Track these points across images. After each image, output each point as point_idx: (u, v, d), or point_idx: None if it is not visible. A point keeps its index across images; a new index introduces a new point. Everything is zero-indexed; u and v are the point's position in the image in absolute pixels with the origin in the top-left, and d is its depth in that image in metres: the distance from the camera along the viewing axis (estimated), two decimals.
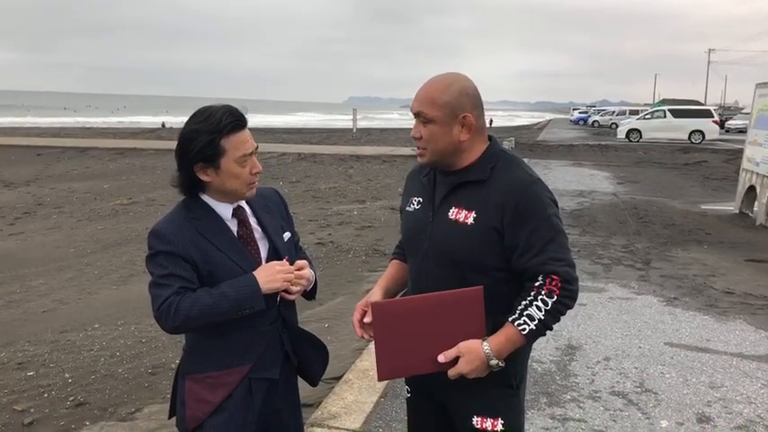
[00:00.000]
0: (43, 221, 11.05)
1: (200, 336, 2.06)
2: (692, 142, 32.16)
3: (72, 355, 5.06)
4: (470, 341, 1.87)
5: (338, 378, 4.33)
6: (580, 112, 70.85)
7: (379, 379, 1.98)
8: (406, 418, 3.57)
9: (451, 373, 1.88)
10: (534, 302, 1.87)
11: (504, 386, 2.00)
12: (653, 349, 4.85)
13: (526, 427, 3.58)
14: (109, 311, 5.87)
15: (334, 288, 6.75)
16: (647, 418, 3.77)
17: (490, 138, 2.05)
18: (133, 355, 5.00)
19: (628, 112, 49.94)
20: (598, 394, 4.08)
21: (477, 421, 2.01)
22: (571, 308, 1.91)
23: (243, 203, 2.10)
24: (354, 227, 10.11)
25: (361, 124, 42.96)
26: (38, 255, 8.61)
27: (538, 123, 74.03)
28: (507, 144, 25.87)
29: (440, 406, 2.13)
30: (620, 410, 3.87)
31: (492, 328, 1.91)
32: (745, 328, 5.37)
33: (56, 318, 6.00)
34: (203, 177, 1.98)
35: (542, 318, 1.86)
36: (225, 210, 2.06)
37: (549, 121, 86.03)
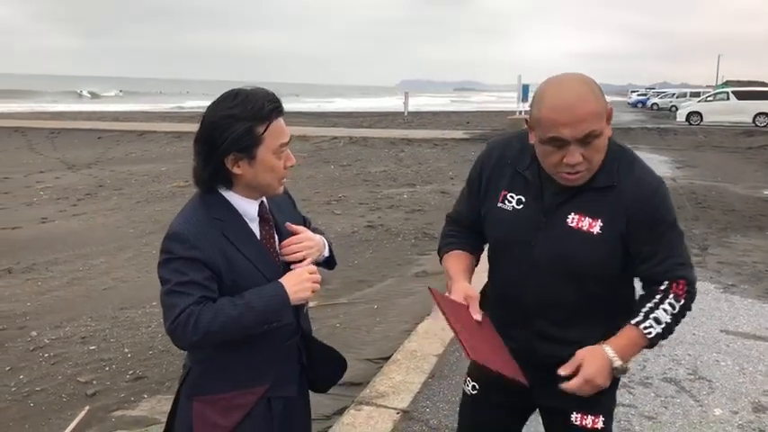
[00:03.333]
0: (104, 203, 11.43)
1: (212, 352, 1.82)
2: (757, 125, 30.93)
3: (131, 331, 5.26)
4: (588, 347, 1.79)
5: (387, 358, 4.39)
6: (638, 95, 69.00)
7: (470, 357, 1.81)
8: (453, 399, 3.61)
9: (573, 382, 1.75)
10: (661, 305, 1.81)
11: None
12: (707, 336, 4.75)
13: None
14: None
15: (384, 270, 6.81)
16: (700, 406, 3.71)
17: None
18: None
19: (688, 95, 48.38)
20: (649, 381, 4.03)
21: (576, 418, 1.94)
22: (691, 310, 1.88)
23: (264, 200, 1.88)
24: (404, 210, 10.13)
25: (413, 107, 42.82)
26: (99, 235, 8.93)
27: None
28: None
29: (513, 406, 2.07)
30: (672, 397, 3.81)
31: (602, 336, 1.83)
32: None
33: (116, 295, 6.23)
34: (235, 170, 1.75)
35: (669, 321, 1.81)
36: (250, 207, 1.83)
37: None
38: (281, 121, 1.77)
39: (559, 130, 1.70)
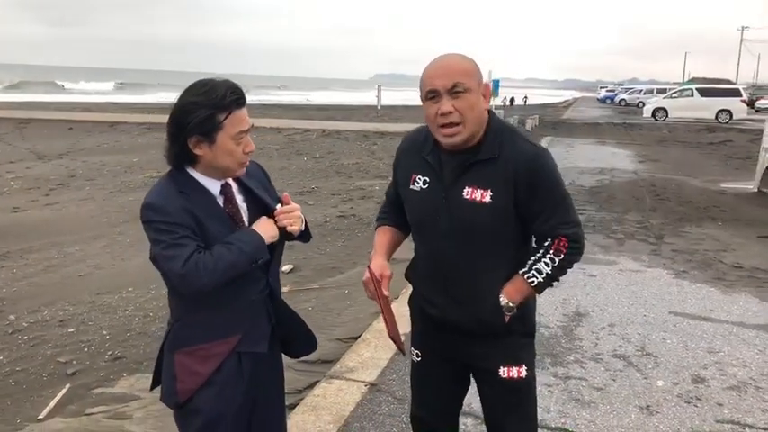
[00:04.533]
0: (77, 192, 11.47)
1: (189, 308, 2.06)
2: (719, 122, 31.79)
3: (108, 315, 5.43)
4: None
5: (356, 338, 4.63)
6: (607, 91, 70.07)
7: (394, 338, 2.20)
8: None
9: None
10: (543, 259, 2.07)
11: (523, 336, 2.22)
12: (657, 317, 5.07)
13: None
14: (141, 276, 6.21)
15: (355, 258, 7.03)
16: (645, 378, 4.01)
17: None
18: (165, 315, 5.33)
19: (655, 91, 49.40)
20: (600, 356, 4.32)
21: (503, 371, 2.17)
22: (578, 260, 2.13)
23: (230, 181, 2.09)
24: (376, 201, 10.36)
25: (386, 101, 42.98)
26: (73, 224, 9.02)
27: (564, 102, 73.38)
28: (531, 122, 25.83)
29: (451, 367, 2.29)
30: (620, 371, 4.11)
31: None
32: (749, 300, 5.55)
33: (92, 281, 6.37)
34: (197, 151, 1.96)
35: (549, 272, 2.08)
36: (213, 186, 2.04)
37: (576, 99, 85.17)
38: (242, 110, 1.98)
39: (432, 82, 2.01)
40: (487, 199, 2.02)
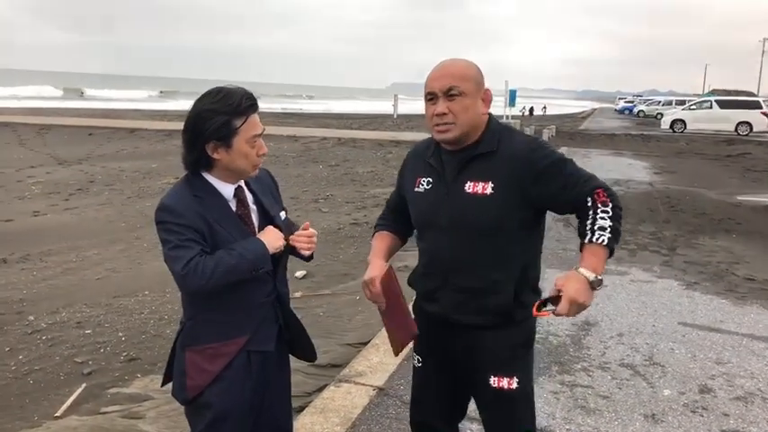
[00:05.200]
0: (96, 197, 11.66)
1: (200, 308, 2.15)
2: (739, 134, 31.56)
3: (124, 317, 5.53)
4: (563, 274, 2.01)
5: (366, 343, 4.69)
6: (626, 102, 69.84)
7: (397, 353, 2.29)
8: None
9: (561, 306, 1.94)
10: (597, 215, 2.02)
11: (519, 347, 2.21)
12: (666, 328, 5.09)
13: (536, 390, 3.90)
14: (157, 280, 6.32)
15: (367, 265, 7.09)
16: (651, 387, 4.03)
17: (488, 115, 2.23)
18: (179, 318, 5.45)
19: (674, 102, 49.11)
20: (608, 365, 4.35)
21: (493, 380, 2.19)
22: (622, 208, 2.07)
23: (242, 184, 2.20)
24: None
25: (403, 110, 43.16)
26: (91, 228, 9.18)
27: (582, 112, 73.13)
28: (547, 132, 25.81)
29: (450, 374, 2.32)
30: (627, 380, 4.14)
31: (512, 281, 2.13)
32: (760, 312, 5.54)
33: (109, 284, 6.49)
34: (214, 155, 2.06)
35: (611, 224, 2.00)
36: (227, 189, 2.14)
37: (594, 110, 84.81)
38: (255, 116, 2.09)
39: (430, 84, 2.13)
40: (489, 191, 2.08)
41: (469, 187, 2.12)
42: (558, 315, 1.96)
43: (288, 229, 2.26)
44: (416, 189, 2.27)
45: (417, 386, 2.46)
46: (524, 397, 2.25)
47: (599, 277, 1.97)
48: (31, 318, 5.50)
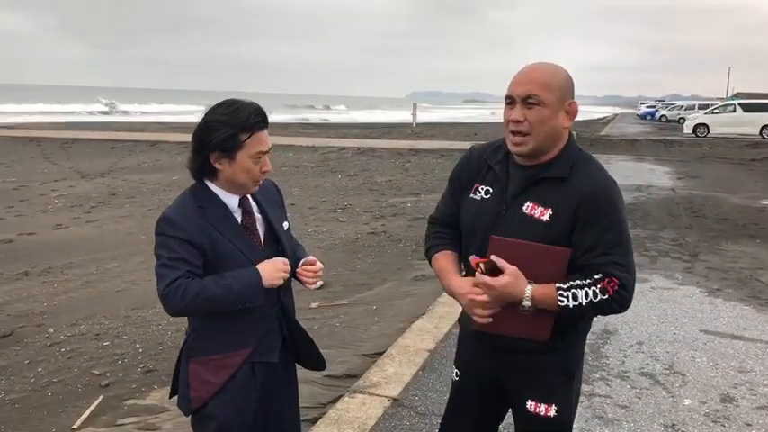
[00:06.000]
0: (117, 210, 11.79)
1: (204, 319, 2.16)
2: (764, 137, 31.07)
3: (142, 329, 5.57)
4: (522, 276, 1.93)
5: (382, 353, 4.67)
6: (648, 107, 69.15)
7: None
8: (441, 389, 3.89)
9: (485, 280, 1.92)
10: (586, 288, 1.90)
11: (560, 374, 2.12)
12: (687, 335, 5.00)
13: None
14: None
15: (384, 274, 7.09)
16: (672, 397, 3.96)
17: (569, 134, 2.09)
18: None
19: (697, 107, 48.53)
20: (627, 374, 4.28)
21: (531, 405, 2.12)
22: (617, 313, 1.97)
23: (249, 196, 2.21)
24: (407, 218, 10.42)
25: (422, 119, 43.16)
26: (112, 240, 9.27)
27: (604, 118, 72.59)
28: None
29: (488, 391, 2.24)
30: (646, 389, 4.07)
31: (553, 324, 2.00)
32: None
33: (128, 296, 6.54)
34: (216, 165, 2.07)
35: (584, 304, 1.90)
36: (231, 200, 2.15)
37: (616, 115, 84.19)
38: (263, 132, 2.09)
39: (511, 88, 2.01)
40: (546, 217, 1.98)
41: (528, 208, 2.01)
42: (482, 281, 1.94)
43: (288, 239, 2.29)
44: (472, 195, 2.15)
45: (453, 400, 2.40)
46: (561, 427, 2.17)
47: (527, 303, 1.92)
48: (51, 330, 5.55)
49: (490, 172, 2.13)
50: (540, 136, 1.97)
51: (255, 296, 2.07)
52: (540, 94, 1.95)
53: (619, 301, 1.92)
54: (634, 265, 1.99)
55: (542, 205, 1.99)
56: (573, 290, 1.92)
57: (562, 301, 1.91)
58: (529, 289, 1.93)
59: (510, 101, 2.01)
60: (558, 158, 2.02)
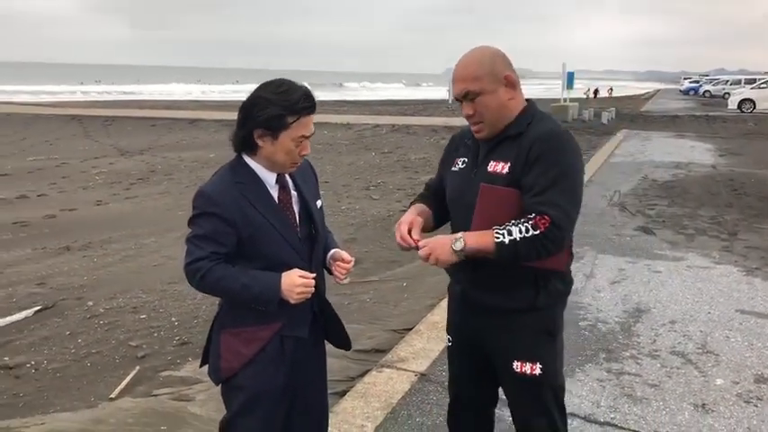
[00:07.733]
0: (155, 187, 12.03)
1: None
2: None
3: (178, 303, 5.70)
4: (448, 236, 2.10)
5: (410, 329, 4.70)
6: (691, 82, 67.37)
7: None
8: None
9: (421, 250, 2.11)
10: (520, 225, 1.99)
11: (542, 333, 2.22)
12: (722, 315, 4.91)
13: (582, 377, 3.85)
14: None
15: (414, 252, 7.09)
16: (703, 376, 3.91)
17: (528, 100, 2.24)
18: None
19: (743, 82, 47.05)
20: (657, 353, 4.24)
21: (517, 365, 2.22)
22: (550, 252, 2.02)
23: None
24: None
25: None
26: (150, 216, 9.48)
27: (645, 94, 70.99)
28: (607, 115, 25.15)
29: (480, 354, 2.35)
30: (677, 368, 4.02)
31: (532, 285, 2.16)
32: None
33: (165, 271, 6.69)
34: (259, 142, 2.10)
35: (518, 240, 1.97)
36: (269, 176, 2.19)
37: (658, 90, 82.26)
38: (310, 117, 2.12)
39: (453, 90, 2.21)
40: (506, 170, 2.10)
41: (492, 167, 2.15)
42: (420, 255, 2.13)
43: (321, 218, 2.33)
44: (453, 168, 2.32)
45: (450, 364, 2.56)
46: (549, 383, 2.25)
47: (459, 244, 2.03)
48: (90, 303, 5.72)
49: (464, 146, 2.33)
50: (493, 117, 2.14)
51: (269, 303, 2.11)
52: (473, 87, 2.12)
53: (552, 239, 1.99)
54: (574, 211, 2.07)
55: (502, 161, 2.13)
56: (509, 227, 2.02)
57: (498, 238, 2.00)
58: (458, 234, 2.07)
59: (459, 100, 2.20)
60: (515, 121, 2.16)
